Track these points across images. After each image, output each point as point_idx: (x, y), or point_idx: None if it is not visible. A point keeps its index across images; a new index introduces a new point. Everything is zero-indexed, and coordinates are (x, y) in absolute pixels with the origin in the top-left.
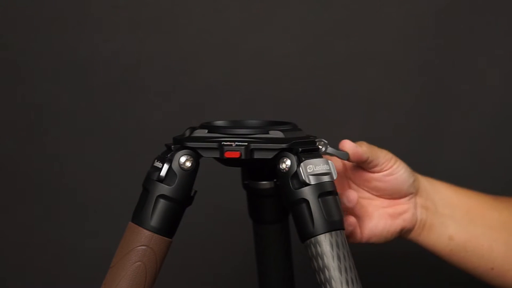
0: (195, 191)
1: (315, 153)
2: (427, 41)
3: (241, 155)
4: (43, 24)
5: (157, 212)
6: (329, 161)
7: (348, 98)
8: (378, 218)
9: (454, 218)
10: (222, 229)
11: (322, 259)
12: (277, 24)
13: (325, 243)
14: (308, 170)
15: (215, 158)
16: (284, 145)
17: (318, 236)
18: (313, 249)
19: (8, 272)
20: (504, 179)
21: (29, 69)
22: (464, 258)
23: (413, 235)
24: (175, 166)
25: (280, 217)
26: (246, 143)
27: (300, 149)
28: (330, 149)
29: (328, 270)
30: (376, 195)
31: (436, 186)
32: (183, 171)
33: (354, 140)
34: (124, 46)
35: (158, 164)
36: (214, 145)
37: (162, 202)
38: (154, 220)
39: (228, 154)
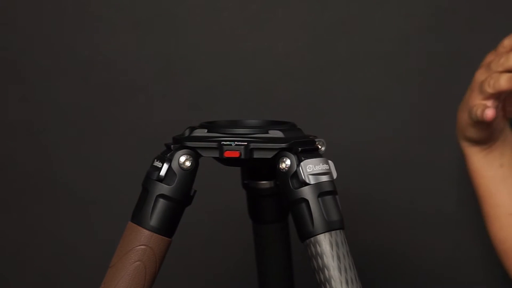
0: (195, 191)
1: (314, 153)
2: (427, 41)
3: (240, 154)
4: (43, 24)
5: (157, 211)
6: (329, 161)
7: (348, 98)
8: None
9: (510, 153)
10: (222, 229)
11: (322, 258)
12: (277, 24)
13: (325, 243)
14: (308, 170)
15: (214, 157)
16: (283, 145)
17: (317, 236)
18: (313, 249)
19: (8, 272)
20: None
21: (29, 69)
22: (500, 190)
23: (477, 148)
24: (174, 165)
25: (280, 217)
26: (246, 143)
27: (299, 148)
28: None
29: (328, 269)
30: None
31: None
32: (182, 171)
33: (354, 139)
34: (124, 46)
35: (157, 163)
36: (214, 144)
37: (161, 202)
38: (154, 219)
39: (227, 154)
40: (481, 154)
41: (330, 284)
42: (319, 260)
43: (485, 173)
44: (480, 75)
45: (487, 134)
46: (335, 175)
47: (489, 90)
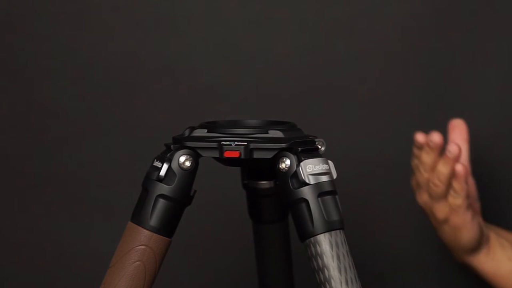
0: (195, 191)
1: (314, 153)
2: (427, 41)
3: (240, 154)
4: (43, 24)
5: (157, 211)
6: (329, 161)
7: (348, 98)
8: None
9: (507, 244)
10: (221, 229)
11: (322, 258)
12: (277, 24)
13: (325, 243)
14: (308, 170)
15: (214, 157)
16: (283, 145)
17: (317, 236)
18: (313, 249)
19: (8, 272)
20: (504, 178)
21: (29, 69)
22: None
23: (482, 254)
24: (174, 165)
25: (280, 217)
26: (246, 143)
27: (299, 148)
28: None
29: (328, 269)
30: None
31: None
32: (182, 171)
33: (354, 139)
34: (124, 46)
35: (157, 163)
36: (214, 144)
37: (161, 202)
38: (154, 219)
39: (227, 154)
40: (488, 258)
41: (330, 284)
42: (319, 260)
43: (501, 272)
44: (423, 198)
45: (478, 228)
46: (335, 175)
47: (458, 201)
